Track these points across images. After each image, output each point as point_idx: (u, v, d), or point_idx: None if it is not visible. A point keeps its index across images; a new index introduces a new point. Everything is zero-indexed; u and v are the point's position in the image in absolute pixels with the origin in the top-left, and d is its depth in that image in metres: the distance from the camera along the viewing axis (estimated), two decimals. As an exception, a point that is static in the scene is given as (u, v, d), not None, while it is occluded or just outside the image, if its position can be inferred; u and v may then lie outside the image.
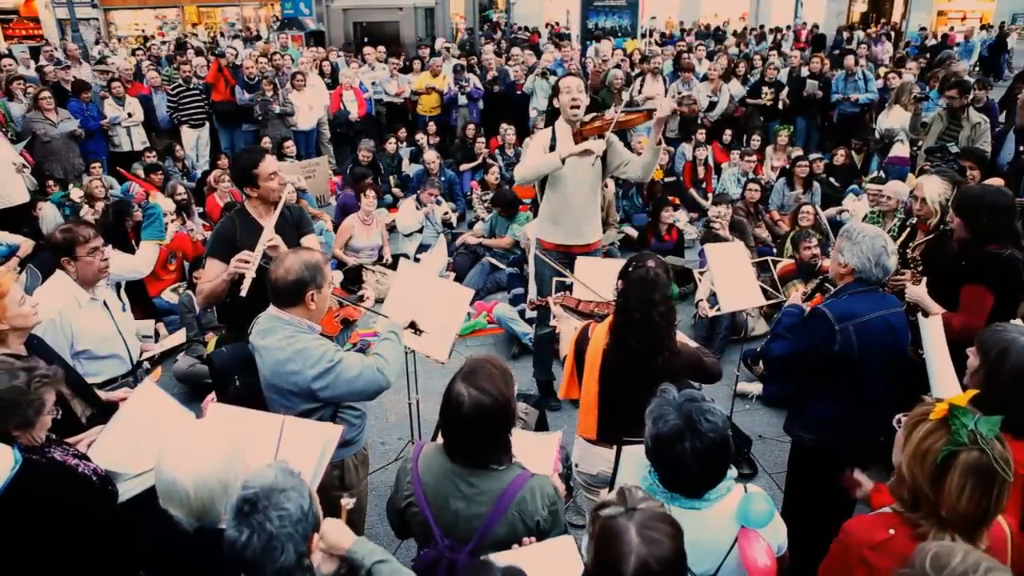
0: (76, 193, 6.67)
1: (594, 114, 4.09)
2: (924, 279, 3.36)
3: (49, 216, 6.52)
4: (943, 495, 1.69)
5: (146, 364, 4.05)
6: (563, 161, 3.93)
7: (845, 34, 17.64)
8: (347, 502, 2.11)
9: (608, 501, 1.63)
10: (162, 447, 1.86)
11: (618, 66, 10.25)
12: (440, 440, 2.13)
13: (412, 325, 3.01)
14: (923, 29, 20.11)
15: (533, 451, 2.29)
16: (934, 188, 3.56)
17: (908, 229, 3.78)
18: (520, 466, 2.10)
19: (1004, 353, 2.14)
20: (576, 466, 3.02)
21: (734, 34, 18.48)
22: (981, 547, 1.68)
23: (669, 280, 2.75)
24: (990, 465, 1.65)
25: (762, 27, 20.25)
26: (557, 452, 2.67)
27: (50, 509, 2.12)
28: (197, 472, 1.77)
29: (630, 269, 2.78)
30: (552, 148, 4.10)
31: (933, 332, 2.85)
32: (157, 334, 5.63)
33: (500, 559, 1.74)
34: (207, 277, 3.35)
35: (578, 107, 4.03)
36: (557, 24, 21.94)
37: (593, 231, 4.30)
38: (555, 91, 4.15)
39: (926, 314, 3.04)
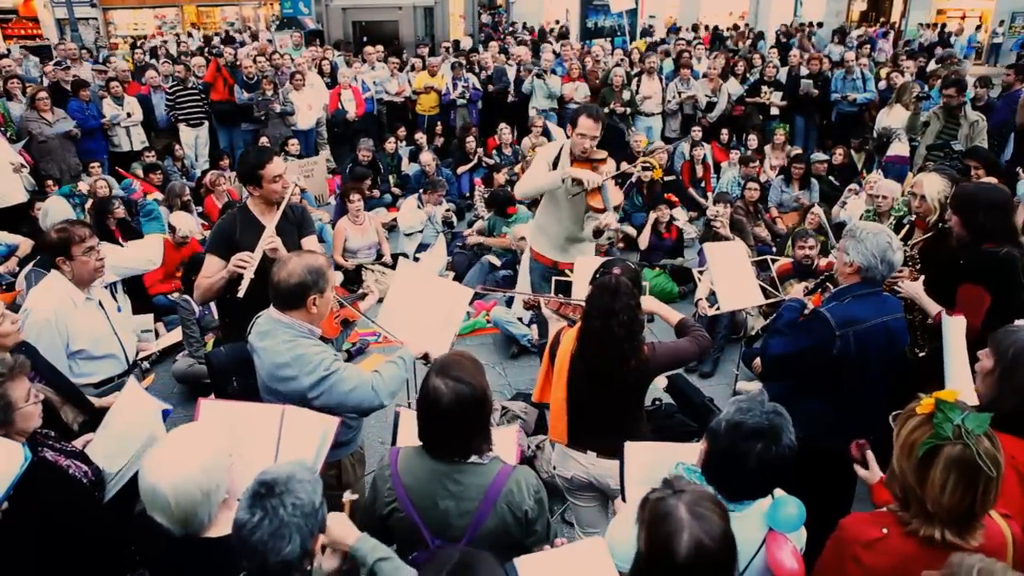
0: (84, 186, 6.64)
1: (599, 159, 4.09)
2: (922, 277, 3.35)
3: (58, 210, 6.46)
4: (927, 488, 1.69)
5: (144, 364, 4.06)
6: (563, 180, 4.00)
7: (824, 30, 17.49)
8: (349, 496, 2.11)
9: (656, 488, 1.64)
10: (146, 455, 1.86)
11: (619, 64, 10.26)
12: (416, 443, 2.12)
13: (425, 357, 2.94)
14: (923, 27, 20.10)
15: (495, 445, 2.26)
16: (934, 186, 3.56)
17: (906, 227, 3.78)
18: (501, 460, 2.11)
19: (1021, 354, 2.09)
20: (555, 469, 3.02)
21: (735, 29, 18.47)
22: (974, 544, 1.68)
23: (638, 287, 2.73)
24: (974, 460, 1.65)
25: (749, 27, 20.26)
26: (518, 443, 2.67)
27: (37, 507, 2.12)
28: (176, 482, 1.77)
29: (597, 275, 2.77)
30: (556, 163, 4.14)
31: (954, 331, 2.82)
32: (156, 333, 5.63)
33: (527, 563, 1.76)
34: (205, 273, 3.34)
35: (587, 149, 4.04)
36: (548, 22, 21.91)
37: (576, 252, 4.32)
38: (572, 121, 4.14)
39: (949, 313, 3.01)
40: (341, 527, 1.87)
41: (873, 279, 2.73)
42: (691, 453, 2.02)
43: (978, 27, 21.30)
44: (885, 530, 1.78)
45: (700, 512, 1.53)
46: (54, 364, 3.00)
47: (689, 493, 1.58)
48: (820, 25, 18.81)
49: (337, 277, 6.46)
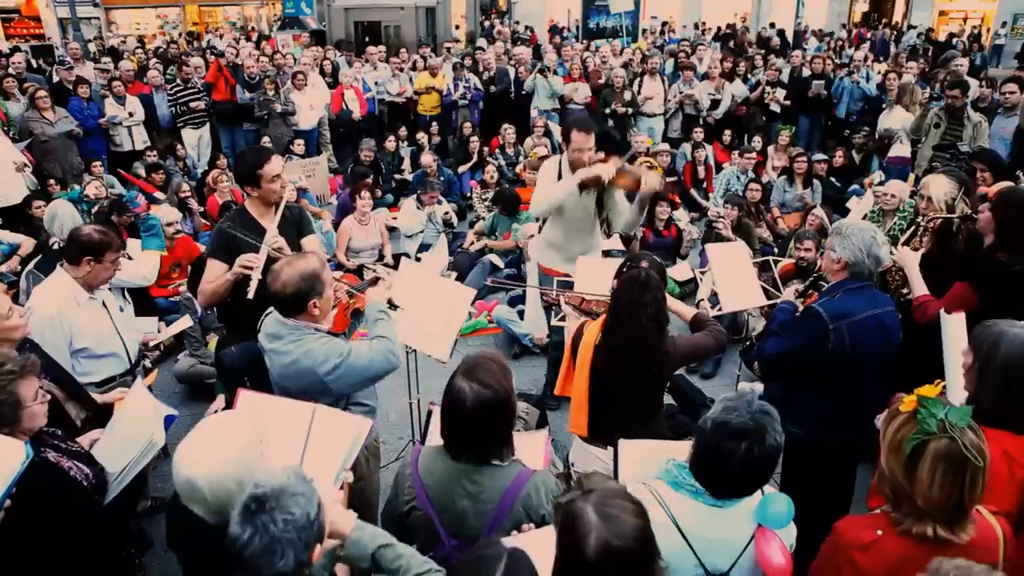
0: (92, 190, 6.62)
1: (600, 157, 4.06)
2: (921, 250, 3.34)
3: (66, 214, 6.44)
4: (916, 485, 1.71)
5: (145, 363, 4.05)
6: (580, 187, 3.93)
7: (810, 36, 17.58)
8: (347, 477, 2.12)
9: (577, 485, 1.62)
10: (179, 448, 1.86)
11: (625, 66, 10.25)
12: (439, 442, 2.12)
13: (389, 303, 2.97)
14: (931, 30, 20.08)
15: (523, 450, 2.28)
16: (940, 188, 3.56)
17: (914, 228, 3.78)
18: (521, 463, 2.10)
19: (995, 345, 2.12)
20: (572, 465, 3.03)
21: (745, 33, 18.42)
22: (964, 539, 1.71)
23: (663, 282, 2.75)
24: (960, 452, 1.67)
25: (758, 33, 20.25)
26: (546, 449, 2.68)
27: (34, 508, 2.12)
28: (211, 473, 1.79)
29: (624, 269, 2.80)
30: (559, 178, 4.11)
31: (954, 330, 2.81)
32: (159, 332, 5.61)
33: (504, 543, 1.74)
34: (208, 278, 3.33)
35: (586, 163, 3.99)
36: (551, 22, 21.85)
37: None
38: (564, 136, 4.08)
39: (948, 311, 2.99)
40: (337, 517, 1.85)
41: (861, 274, 2.77)
42: (685, 451, 2.04)
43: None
44: (879, 532, 1.80)
45: (608, 512, 1.50)
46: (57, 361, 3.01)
47: (598, 492, 1.55)
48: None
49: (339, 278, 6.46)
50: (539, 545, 1.85)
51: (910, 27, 19.79)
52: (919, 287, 3.14)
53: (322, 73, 10.40)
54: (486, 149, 9.29)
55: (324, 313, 2.60)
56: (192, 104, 9.16)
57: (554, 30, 19.62)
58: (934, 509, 1.70)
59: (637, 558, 1.50)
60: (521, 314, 5.74)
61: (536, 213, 4.27)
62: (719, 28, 19.76)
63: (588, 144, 3.97)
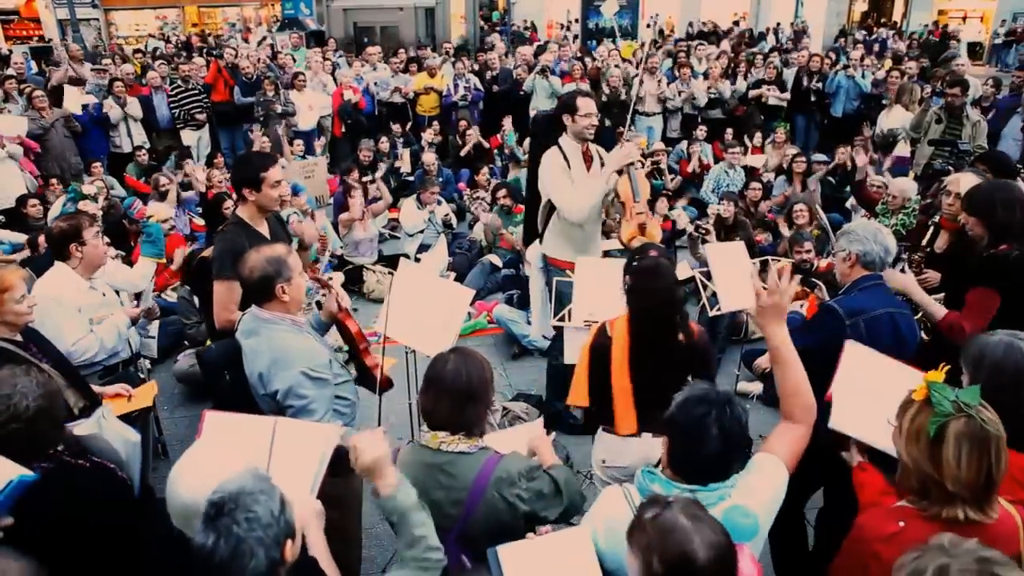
0: (91, 190, 6.57)
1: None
2: (911, 273, 3.34)
3: (57, 212, 6.42)
4: (944, 468, 1.70)
5: (146, 363, 4.05)
6: (615, 177, 3.97)
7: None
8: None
9: (642, 507, 1.63)
10: (176, 473, 1.84)
11: (632, 62, 10.25)
12: (411, 442, 2.16)
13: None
14: (930, 27, 20.07)
15: (519, 445, 2.35)
16: (969, 184, 3.56)
17: (932, 228, 3.78)
18: (491, 449, 2.14)
19: (981, 356, 2.11)
20: (603, 462, 2.92)
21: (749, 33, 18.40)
22: (994, 517, 1.71)
23: (673, 267, 2.80)
24: (980, 427, 1.68)
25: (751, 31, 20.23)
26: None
27: (99, 514, 2.14)
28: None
29: (634, 263, 2.83)
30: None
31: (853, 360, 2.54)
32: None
33: (509, 550, 1.77)
34: (225, 301, 3.07)
35: (594, 128, 4.01)
36: (551, 23, 21.80)
37: (594, 249, 4.32)
38: (567, 108, 4.00)
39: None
40: (387, 477, 1.87)
41: (873, 263, 2.78)
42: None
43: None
44: (902, 523, 1.79)
45: (696, 514, 1.54)
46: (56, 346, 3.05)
47: (676, 502, 1.57)
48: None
49: (338, 277, 6.44)
50: (557, 549, 1.89)
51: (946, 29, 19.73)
52: (936, 309, 3.07)
53: (321, 72, 10.39)
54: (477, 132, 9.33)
55: (295, 300, 2.61)
56: (197, 116, 9.16)
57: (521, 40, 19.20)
58: (965, 490, 1.69)
59: (732, 558, 1.53)
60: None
61: (576, 219, 4.02)
62: (702, 25, 19.78)
63: (593, 108, 4.00)
